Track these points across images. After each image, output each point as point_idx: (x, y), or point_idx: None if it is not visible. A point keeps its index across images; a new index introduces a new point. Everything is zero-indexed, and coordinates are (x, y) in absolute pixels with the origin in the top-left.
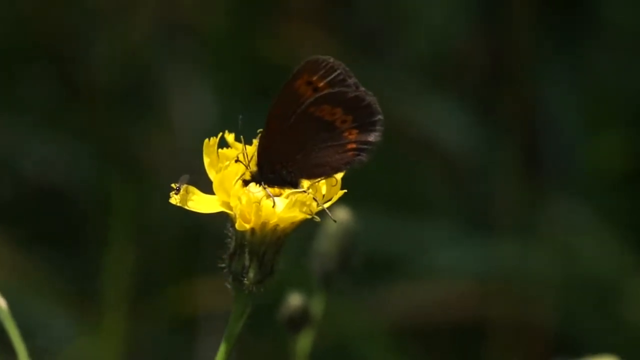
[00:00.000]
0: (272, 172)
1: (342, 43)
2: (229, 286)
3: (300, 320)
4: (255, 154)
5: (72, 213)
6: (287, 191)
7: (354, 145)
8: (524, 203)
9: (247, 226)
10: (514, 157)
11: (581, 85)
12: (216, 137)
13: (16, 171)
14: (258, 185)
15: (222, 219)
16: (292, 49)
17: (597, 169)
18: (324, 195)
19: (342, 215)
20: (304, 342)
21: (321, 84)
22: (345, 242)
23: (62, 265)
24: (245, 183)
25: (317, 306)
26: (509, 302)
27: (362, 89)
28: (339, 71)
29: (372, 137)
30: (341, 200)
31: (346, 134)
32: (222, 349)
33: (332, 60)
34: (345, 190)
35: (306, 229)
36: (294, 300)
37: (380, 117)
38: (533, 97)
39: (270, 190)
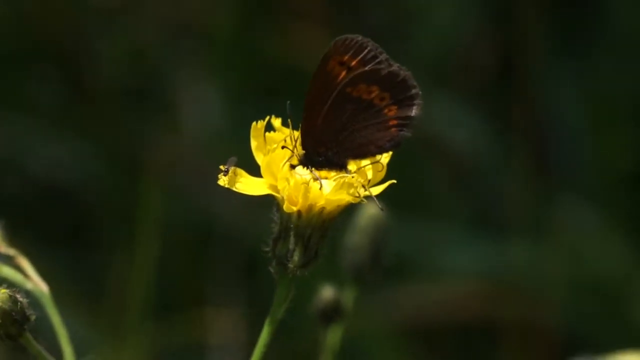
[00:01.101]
0: (317, 154)
1: None
2: (271, 270)
3: (332, 313)
4: (299, 138)
5: (82, 214)
6: (334, 174)
7: (395, 122)
8: (532, 204)
9: (295, 208)
10: (521, 158)
11: (589, 86)
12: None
13: (26, 172)
14: (305, 168)
15: (231, 220)
16: (298, 49)
17: (604, 169)
18: (369, 180)
19: (375, 210)
20: (334, 335)
21: (353, 63)
22: (377, 237)
23: (71, 267)
24: (293, 167)
25: (348, 300)
26: (518, 303)
27: (395, 64)
28: (369, 48)
29: (412, 112)
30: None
31: (385, 111)
32: (264, 333)
33: (360, 37)
34: (395, 181)
35: (336, 223)
36: (327, 292)
37: (416, 90)
38: (541, 97)
39: (317, 173)
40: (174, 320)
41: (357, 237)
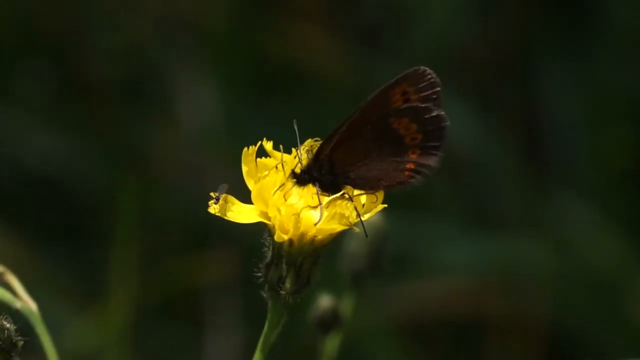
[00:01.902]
0: (330, 173)
1: (345, 40)
2: (263, 295)
3: (330, 321)
4: (316, 149)
5: (76, 208)
6: (326, 200)
7: (412, 166)
8: (527, 200)
9: (286, 237)
10: (516, 154)
11: (585, 82)
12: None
13: (20, 166)
14: (304, 183)
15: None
16: (296, 47)
17: (600, 166)
18: (363, 205)
19: (373, 217)
20: (332, 343)
21: (414, 97)
22: (375, 244)
23: (66, 261)
24: (294, 175)
25: (347, 307)
26: (514, 300)
27: (442, 112)
28: (436, 87)
29: (432, 162)
30: None
31: (410, 152)
32: (256, 357)
33: (433, 74)
34: (386, 205)
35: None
36: (325, 301)
37: (444, 142)
38: (536, 94)
39: (309, 200)
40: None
41: (355, 244)
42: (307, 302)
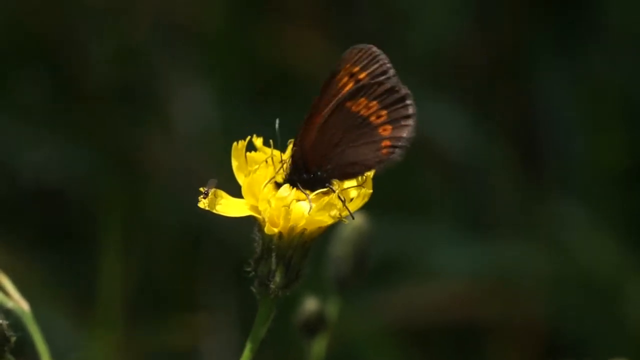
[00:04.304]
0: (307, 172)
1: (340, 44)
2: (253, 290)
3: (315, 325)
4: (290, 155)
5: (70, 215)
6: (313, 194)
7: (388, 142)
8: (523, 203)
9: (276, 230)
10: (512, 157)
11: (580, 84)
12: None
13: (13, 173)
14: (291, 187)
15: (223, 222)
16: (291, 50)
17: (596, 168)
18: (352, 199)
19: (357, 219)
20: (319, 346)
21: (362, 76)
22: (360, 247)
23: (59, 268)
24: (278, 185)
25: (332, 310)
26: (510, 303)
27: (398, 80)
28: (381, 61)
29: (406, 133)
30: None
31: (380, 130)
32: (246, 353)
33: (374, 49)
34: (371, 191)
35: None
36: (310, 305)
37: (413, 110)
38: (532, 96)
39: (299, 193)
40: (164, 324)
41: (340, 247)
42: (298, 302)
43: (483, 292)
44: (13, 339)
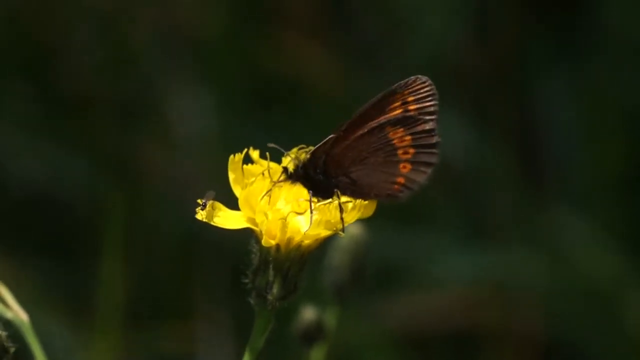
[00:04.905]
0: (323, 173)
1: (340, 53)
2: (251, 302)
3: (314, 334)
4: (314, 148)
5: (68, 224)
6: (315, 206)
7: (402, 180)
8: (522, 211)
9: (273, 242)
10: (512, 166)
11: (580, 91)
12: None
13: (9, 180)
14: (293, 180)
15: (220, 230)
16: (289, 58)
17: (595, 175)
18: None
19: (355, 229)
20: (317, 355)
21: (412, 107)
22: (358, 256)
23: (58, 277)
24: (286, 172)
25: (331, 319)
26: (508, 311)
27: (436, 127)
28: (434, 100)
29: (421, 179)
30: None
31: (401, 165)
32: None
33: (432, 86)
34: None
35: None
36: (309, 314)
37: (435, 160)
38: (532, 105)
39: (296, 206)
40: (161, 331)
41: (338, 256)
42: (296, 312)
43: (483, 299)
44: (12, 349)
